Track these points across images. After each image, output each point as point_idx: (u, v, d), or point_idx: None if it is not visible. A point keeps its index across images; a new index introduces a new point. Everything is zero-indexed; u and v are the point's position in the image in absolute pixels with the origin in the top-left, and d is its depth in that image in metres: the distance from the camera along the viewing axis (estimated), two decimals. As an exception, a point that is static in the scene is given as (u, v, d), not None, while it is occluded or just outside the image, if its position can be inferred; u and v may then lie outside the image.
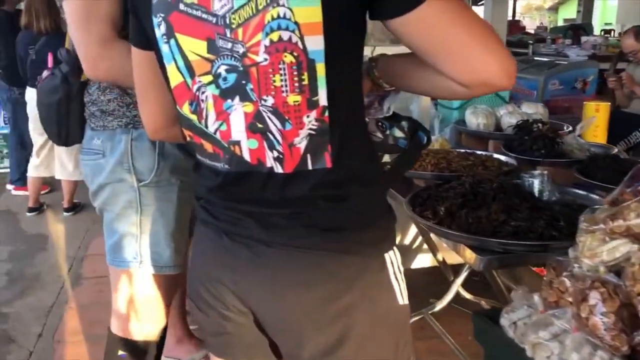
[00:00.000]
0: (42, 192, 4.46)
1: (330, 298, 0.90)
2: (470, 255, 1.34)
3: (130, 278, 1.57)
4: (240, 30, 0.84)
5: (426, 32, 0.81)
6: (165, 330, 1.66)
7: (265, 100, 0.86)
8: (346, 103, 0.88)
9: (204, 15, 0.85)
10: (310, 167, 0.88)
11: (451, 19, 0.81)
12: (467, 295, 2.37)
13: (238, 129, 0.89)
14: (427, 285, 2.54)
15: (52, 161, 4.17)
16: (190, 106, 0.93)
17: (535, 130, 1.90)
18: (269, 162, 0.89)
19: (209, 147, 0.95)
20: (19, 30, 4.05)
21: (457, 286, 2.24)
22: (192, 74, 0.90)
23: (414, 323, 2.23)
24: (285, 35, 0.82)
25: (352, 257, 0.91)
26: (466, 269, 2.23)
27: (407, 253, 2.55)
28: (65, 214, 4.26)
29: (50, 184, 4.64)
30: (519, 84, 3.00)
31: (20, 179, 4.64)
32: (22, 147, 4.59)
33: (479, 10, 7.09)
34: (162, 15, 0.89)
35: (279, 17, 0.81)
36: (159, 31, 0.90)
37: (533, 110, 2.23)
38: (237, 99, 0.88)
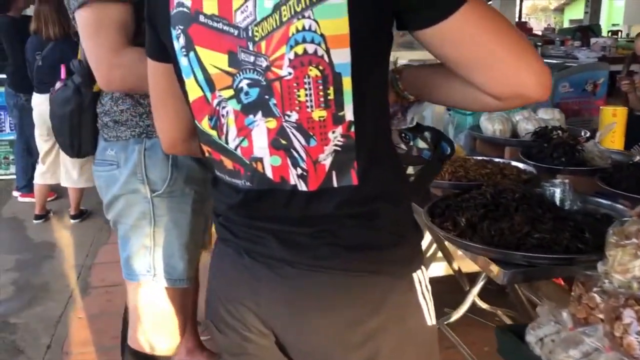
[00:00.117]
0: (49, 199, 4.44)
1: (358, 320, 0.87)
2: (494, 269, 1.30)
3: (145, 291, 1.54)
4: (263, 43, 0.80)
5: (458, 42, 0.78)
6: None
7: (289, 116, 0.82)
8: (373, 117, 0.84)
9: (226, 28, 0.82)
10: (335, 185, 0.85)
11: (485, 29, 0.77)
12: (483, 305, 2.33)
13: (260, 145, 0.86)
14: (441, 294, 2.48)
15: (58, 168, 4.15)
16: (209, 121, 0.90)
17: (555, 137, 1.86)
18: (293, 179, 0.86)
19: (229, 163, 0.91)
20: (26, 36, 4.05)
21: (473, 296, 2.20)
22: (212, 88, 0.87)
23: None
24: (311, 48, 0.78)
25: (380, 278, 0.87)
26: (482, 278, 2.18)
27: (421, 261, 2.50)
28: (72, 221, 4.24)
29: (57, 191, 4.62)
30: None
31: (27, 186, 4.62)
32: (28, 154, 4.58)
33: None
34: (181, 27, 0.86)
35: (304, 29, 0.78)
36: (178, 44, 0.87)
37: (549, 115, 2.19)
38: (259, 114, 0.84)
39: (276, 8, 0.78)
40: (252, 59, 0.82)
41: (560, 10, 21.62)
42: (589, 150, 1.77)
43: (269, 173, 0.87)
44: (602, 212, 1.55)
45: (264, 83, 0.82)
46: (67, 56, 3.52)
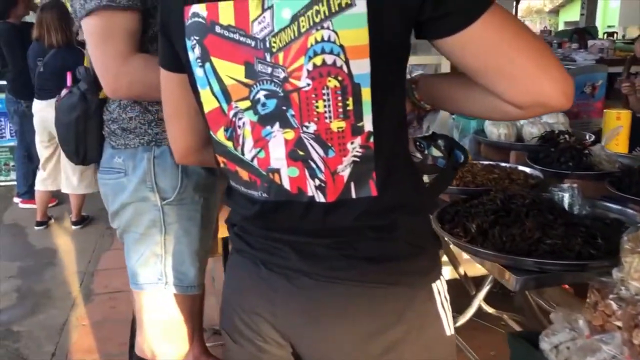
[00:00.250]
0: (50, 205, 4.43)
1: (377, 332, 0.86)
2: (506, 275, 1.29)
3: (155, 300, 1.53)
4: (281, 55, 0.80)
5: (479, 50, 0.77)
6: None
7: (307, 127, 0.82)
8: (392, 128, 0.84)
9: (242, 39, 0.81)
10: (354, 196, 0.84)
11: (506, 37, 0.77)
12: (490, 310, 2.32)
13: (277, 156, 0.85)
14: (446, 298, 2.49)
15: (59, 174, 4.14)
16: (225, 132, 0.89)
17: (561, 141, 1.85)
18: (310, 191, 0.85)
19: (244, 174, 0.91)
20: (27, 42, 4.05)
21: (479, 300, 2.19)
22: (228, 99, 0.86)
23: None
24: (330, 59, 0.78)
25: (400, 289, 0.87)
26: (488, 282, 2.18)
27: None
28: (73, 227, 4.22)
29: (58, 197, 4.60)
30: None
31: (27, 192, 4.61)
32: (29, 160, 4.57)
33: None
34: (197, 38, 0.85)
35: (322, 40, 0.77)
36: (193, 54, 0.87)
37: (554, 119, 2.19)
38: (276, 125, 0.84)
39: (294, 19, 0.78)
40: (269, 70, 0.81)
41: (555, 12, 21.67)
42: (596, 154, 1.77)
43: (286, 184, 0.86)
44: (611, 217, 1.54)
45: (282, 94, 0.81)
46: (69, 63, 3.55)
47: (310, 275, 0.88)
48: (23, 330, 2.83)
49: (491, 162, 1.93)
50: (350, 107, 0.80)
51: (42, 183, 4.19)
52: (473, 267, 2.37)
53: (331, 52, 0.77)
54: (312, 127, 0.82)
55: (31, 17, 4.67)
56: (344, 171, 0.83)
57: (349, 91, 0.79)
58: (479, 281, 2.33)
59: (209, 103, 0.89)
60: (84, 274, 3.45)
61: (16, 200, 4.76)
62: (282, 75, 0.80)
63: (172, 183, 1.45)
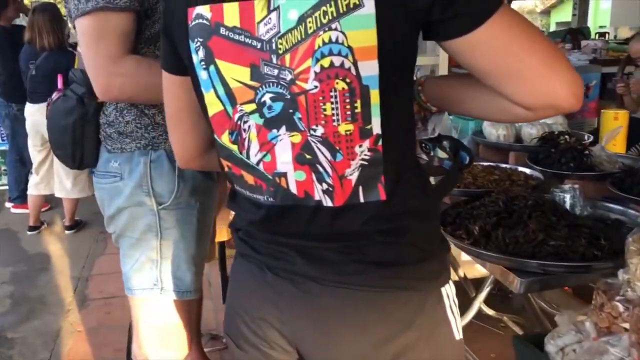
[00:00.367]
0: (43, 209, 4.39)
1: (387, 338, 0.85)
2: (511, 278, 1.28)
3: (152, 306, 1.51)
4: (287, 56, 0.78)
5: (489, 52, 0.76)
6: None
7: (314, 130, 0.80)
8: (400, 130, 0.83)
9: (248, 40, 0.80)
10: (362, 200, 0.83)
11: (516, 38, 0.75)
12: (490, 312, 2.31)
13: (284, 160, 0.84)
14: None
15: (52, 178, 4.10)
16: (230, 136, 0.88)
17: (562, 142, 1.85)
18: (317, 195, 0.84)
19: (250, 178, 0.89)
20: (18, 45, 4.01)
21: (479, 303, 2.18)
22: (233, 102, 0.85)
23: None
24: (337, 60, 0.76)
25: (409, 294, 0.85)
26: (488, 284, 2.17)
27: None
28: (66, 232, 4.18)
29: (50, 201, 4.56)
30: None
31: (20, 197, 4.57)
32: (21, 164, 4.53)
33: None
34: (201, 40, 0.83)
35: (330, 41, 0.76)
36: (197, 57, 0.85)
37: (552, 120, 2.18)
38: (283, 128, 0.82)
39: (301, 20, 0.76)
40: (275, 72, 0.80)
41: (546, 12, 21.78)
42: (597, 154, 1.77)
43: (293, 188, 0.85)
44: (612, 218, 1.54)
45: (288, 97, 0.80)
46: (61, 66, 3.52)
47: (317, 280, 0.87)
48: (17, 337, 2.79)
49: (491, 164, 1.92)
50: (359, 110, 0.78)
51: (35, 187, 4.15)
52: (472, 269, 2.36)
53: (339, 54, 0.76)
54: (320, 130, 0.80)
55: (23, 20, 4.64)
56: (352, 175, 0.82)
57: (357, 93, 0.78)
58: (478, 283, 2.33)
59: (213, 106, 0.87)
60: (78, 280, 3.41)
61: (8, 205, 4.72)
62: (288, 77, 0.79)
63: (169, 187, 1.43)
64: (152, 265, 1.48)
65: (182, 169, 1.42)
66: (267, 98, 0.81)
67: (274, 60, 0.79)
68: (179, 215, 1.46)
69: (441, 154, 1.05)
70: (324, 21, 0.75)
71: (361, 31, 0.75)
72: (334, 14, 0.74)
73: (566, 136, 1.90)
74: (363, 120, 0.79)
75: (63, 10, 4.79)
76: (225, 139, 0.89)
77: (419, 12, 0.75)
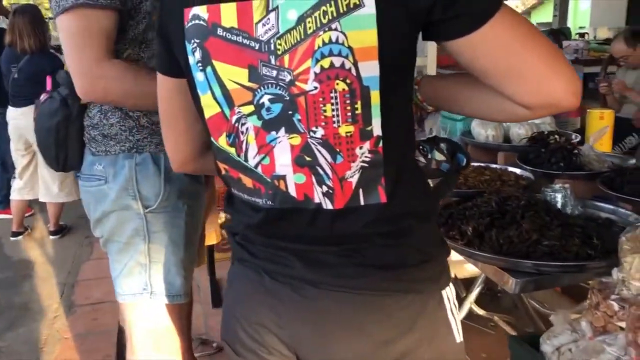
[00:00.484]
0: (26, 214, 4.31)
1: (388, 342, 0.84)
2: (505, 278, 1.29)
3: (142, 310, 1.49)
4: (286, 57, 0.77)
5: (490, 52, 0.76)
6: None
7: (314, 132, 0.79)
8: (400, 132, 0.82)
9: (246, 41, 0.79)
10: (362, 203, 0.82)
11: (516, 38, 0.75)
12: (480, 312, 2.32)
13: (283, 162, 0.83)
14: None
15: (36, 183, 4.03)
16: (227, 138, 0.86)
17: (552, 142, 1.86)
18: (317, 197, 0.83)
19: (248, 181, 0.88)
20: (0, 48, 3.94)
21: (469, 303, 2.19)
22: (230, 104, 0.83)
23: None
24: (338, 61, 0.76)
25: (410, 297, 0.85)
26: (478, 284, 2.18)
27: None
28: (51, 237, 4.12)
29: (33, 207, 4.49)
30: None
31: (2, 202, 4.49)
32: (3, 169, 4.45)
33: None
34: (197, 41, 0.82)
35: (330, 42, 0.75)
36: (193, 58, 0.83)
37: (540, 120, 2.20)
38: (282, 130, 0.81)
39: (300, 20, 0.75)
40: (274, 73, 0.79)
41: (527, 13, 21.98)
42: (586, 154, 1.78)
43: (292, 191, 0.84)
44: (603, 217, 1.55)
45: (288, 98, 0.79)
46: (44, 68, 3.47)
47: (316, 284, 0.86)
48: (2, 345, 2.74)
49: (481, 164, 1.93)
50: (359, 111, 0.78)
51: (19, 192, 4.08)
52: (462, 269, 2.37)
53: (339, 54, 0.75)
54: (320, 132, 0.79)
55: (2, 22, 4.56)
56: (353, 177, 0.81)
57: (358, 94, 0.77)
58: (468, 283, 2.34)
59: (210, 108, 0.86)
60: (64, 286, 3.36)
61: (-10, 210, 4.63)
62: (287, 78, 0.78)
63: (155, 190, 1.41)
64: (141, 269, 1.45)
65: (168, 172, 1.41)
66: (265, 99, 0.80)
67: (273, 61, 0.78)
68: (167, 219, 1.44)
69: (439, 156, 1.05)
70: (324, 21, 0.74)
71: (361, 31, 0.74)
72: (334, 14, 0.74)
73: (556, 136, 1.91)
74: (364, 122, 0.78)
75: (45, 13, 4.72)
76: (222, 141, 0.87)
77: (420, 12, 0.74)
